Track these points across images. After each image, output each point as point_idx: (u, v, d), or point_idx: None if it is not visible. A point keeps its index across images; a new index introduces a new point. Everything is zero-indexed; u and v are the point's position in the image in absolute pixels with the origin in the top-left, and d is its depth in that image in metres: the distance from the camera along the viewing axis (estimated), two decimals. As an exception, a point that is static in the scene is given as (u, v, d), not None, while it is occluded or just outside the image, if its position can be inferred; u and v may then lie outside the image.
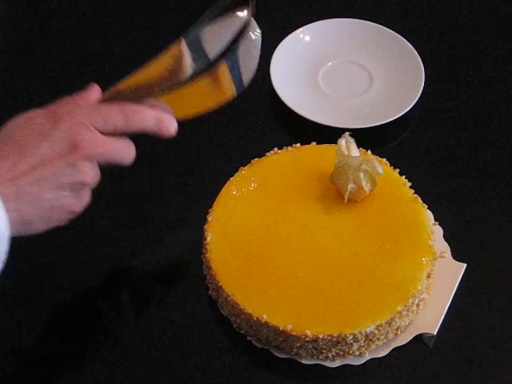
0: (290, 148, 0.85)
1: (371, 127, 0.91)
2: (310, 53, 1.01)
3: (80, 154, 0.63)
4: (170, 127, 0.68)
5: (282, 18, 1.07)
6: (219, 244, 0.77)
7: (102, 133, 0.64)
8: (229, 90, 0.71)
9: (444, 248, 0.80)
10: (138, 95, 0.68)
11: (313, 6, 1.09)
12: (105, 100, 0.67)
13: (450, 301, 0.77)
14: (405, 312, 0.73)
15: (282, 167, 0.83)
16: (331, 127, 0.90)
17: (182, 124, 0.96)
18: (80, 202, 0.66)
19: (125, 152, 0.67)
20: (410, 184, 0.81)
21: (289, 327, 0.71)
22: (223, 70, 0.68)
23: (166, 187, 0.89)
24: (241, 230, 0.78)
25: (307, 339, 0.71)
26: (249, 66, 0.70)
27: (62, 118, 0.63)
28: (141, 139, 0.94)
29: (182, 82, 0.68)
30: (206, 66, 0.68)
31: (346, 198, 0.78)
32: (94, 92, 0.68)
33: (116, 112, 0.65)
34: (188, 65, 0.69)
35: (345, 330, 0.71)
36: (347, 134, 0.81)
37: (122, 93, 0.68)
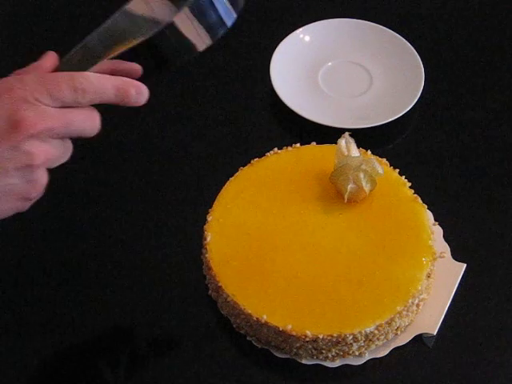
0: (289, 148, 0.85)
1: (371, 127, 0.91)
2: (310, 53, 1.01)
3: (23, 133, 0.56)
4: (138, 97, 0.61)
5: (282, 18, 1.07)
6: (219, 244, 0.77)
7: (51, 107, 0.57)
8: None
9: (444, 248, 0.80)
10: (94, 57, 0.60)
11: (313, 6, 1.09)
12: (61, 69, 0.60)
13: (449, 301, 0.77)
14: (405, 312, 0.73)
15: (281, 167, 0.83)
16: (331, 127, 0.90)
17: (182, 124, 0.97)
18: (34, 186, 0.58)
19: (84, 123, 0.59)
20: (409, 184, 0.81)
21: (289, 327, 0.71)
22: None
23: (166, 187, 0.89)
24: (241, 230, 0.78)
25: (307, 339, 0.71)
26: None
27: (2, 95, 0.56)
28: (141, 139, 0.94)
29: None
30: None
31: (345, 198, 0.78)
32: (48, 61, 0.61)
33: (63, 84, 0.57)
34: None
35: (345, 330, 0.71)
36: (347, 134, 0.81)
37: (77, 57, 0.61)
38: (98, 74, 0.59)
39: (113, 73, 0.60)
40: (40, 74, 0.59)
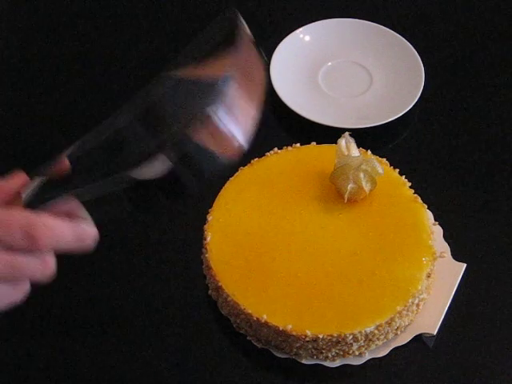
0: (289, 148, 0.85)
1: (371, 127, 0.91)
2: (310, 53, 1.01)
3: None
4: (91, 242, 0.53)
5: (282, 18, 1.07)
6: (219, 244, 0.77)
7: None
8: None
9: (444, 248, 0.80)
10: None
11: (313, 6, 1.09)
12: (24, 198, 0.52)
13: (449, 301, 0.77)
14: (405, 312, 0.73)
15: (281, 167, 0.83)
16: (331, 127, 0.90)
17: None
18: None
19: (33, 269, 0.51)
20: (409, 184, 0.81)
21: (289, 327, 0.71)
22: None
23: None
24: (241, 230, 0.78)
25: (307, 339, 0.71)
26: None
27: None
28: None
29: None
30: None
31: (345, 197, 0.78)
32: (15, 183, 0.53)
33: (17, 228, 0.49)
34: None
35: (345, 329, 0.71)
36: (347, 133, 0.81)
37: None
38: (59, 220, 0.50)
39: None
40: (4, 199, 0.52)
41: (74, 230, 0.51)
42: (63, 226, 0.51)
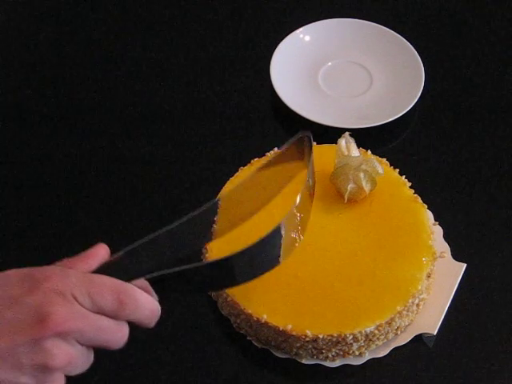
0: (290, 148, 0.85)
1: (371, 127, 0.91)
2: (309, 53, 1.01)
3: (48, 328, 0.50)
4: (156, 319, 0.57)
5: (282, 18, 1.07)
6: (219, 244, 0.77)
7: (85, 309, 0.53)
8: None
9: (444, 248, 0.80)
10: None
11: (313, 6, 1.09)
12: (107, 268, 0.56)
13: (449, 301, 0.77)
14: (405, 312, 0.73)
15: (282, 167, 0.83)
16: (331, 127, 0.90)
17: (182, 124, 0.97)
18: None
19: (113, 334, 0.54)
20: (409, 184, 0.81)
21: (289, 327, 0.71)
22: None
23: (167, 187, 0.89)
24: (241, 230, 0.78)
25: (307, 339, 0.71)
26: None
27: (39, 283, 0.52)
28: (141, 139, 0.94)
29: None
30: None
31: (345, 198, 0.78)
32: (98, 253, 0.57)
33: (108, 292, 0.53)
34: None
35: (345, 330, 0.71)
36: (347, 133, 0.81)
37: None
38: (144, 293, 0.55)
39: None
40: (86, 273, 0.55)
41: (151, 304, 0.56)
42: (145, 298, 0.55)
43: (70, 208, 0.88)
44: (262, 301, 0.73)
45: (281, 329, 0.71)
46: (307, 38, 1.02)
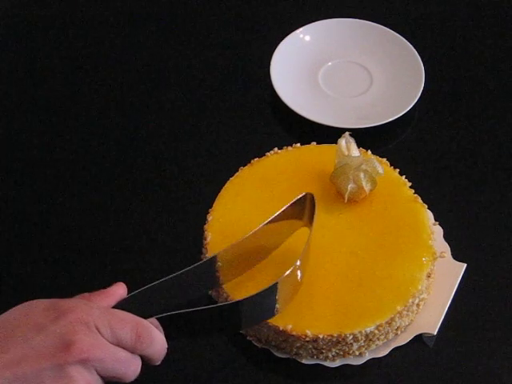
0: (289, 148, 0.85)
1: (371, 127, 0.91)
2: (310, 53, 1.01)
3: (73, 355, 0.53)
4: (162, 359, 0.62)
5: (282, 18, 1.07)
6: (219, 244, 0.77)
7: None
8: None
9: (444, 248, 0.80)
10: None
11: (313, 6, 1.09)
12: (124, 304, 0.61)
13: (449, 301, 0.77)
14: (405, 312, 0.73)
15: (282, 167, 0.83)
16: (331, 127, 0.90)
17: (182, 124, 0.97)
18: None
19: (129, 367, 0.57)
20: (410, 184, 0.81)
21: (289, 327, 0.71)
22: None
23: (167, 187, 0.89)
24: (241, 230, 0.78)
25: (307, 339, 0.71)
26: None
27: (64, 313, 0.55)
28: (142, 139, 0.94)
29: None
30: None
31: (345, 197, 0.78)
32: (117, 291, 0.62)
33: (128, 326, 0.57)
34: None
35: (345, 329, 0.71)
36: (347, 133, 0.81)
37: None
38: (157, 330, 0.59)
39: None
40: (107, 308, 0.59)
41: (162, 341, 0.60)
42: (158, 335, 0.59)
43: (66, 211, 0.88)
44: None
45: (281, 329, 0.71)
46: (307, 38, 1.02)
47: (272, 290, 0.66)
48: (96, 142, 0.94)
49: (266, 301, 0.66)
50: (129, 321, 0.57)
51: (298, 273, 0.69)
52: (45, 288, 0.81)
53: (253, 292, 0.65)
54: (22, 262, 0.83)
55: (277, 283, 0.66)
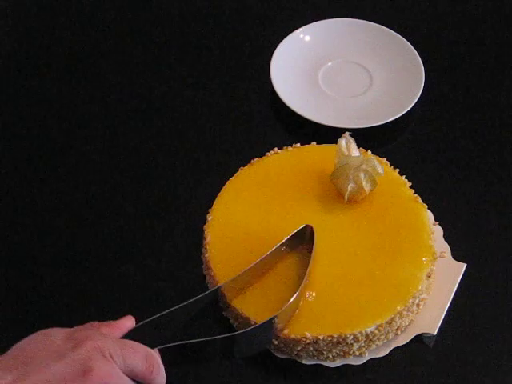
0: (290, 148, 0.85)
1: (371, 127, 0.91)
2: (309, 53, 1.01)
3: (91, 380, 0.57)
4: None
5: (282, 18, 1.07)
6: (219, 244, 0.77)
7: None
8: None
9: (444, 248, 0.80)
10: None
11: (313, 6, 1.09)
12: (132, 335, 0.64)
13: (449, 301, 0.77)
14: (405, 312, 0.73)
15: (281, 167, 0.83)
16: (331, 127, 0.90)
17: (182, 124, 0.97)
18: None
19: None
20: (410, 184, 0.81)
21: (286, 331, 0.71)
22: None
23: (167, 187, 0.89)
24: (241, 230, 0.78)
25: (307, 341, 0.71)
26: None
27: (82, 341, 0.59)
28: (141, 139, 0.94)
29: None
30: None
31: (346, 197, 0.78)
32: (125, 324, 0.65)
33: (139, 356, 0.61)
34: None
35: (345, 330, 0.71)
36: (347, 133, 0.81)
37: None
38: (160, 362, 0.63)
39: None
40: (118, 338, 0.63)
41: (163, 372, 0.63)
42: (162, 365, 0.63)
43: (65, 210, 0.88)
44: (259, 304, 0.73)
45: (279, 335, 0.71)
46: (307, 38, 1.02)
47: (271, 322, 0.69)
48: (96, 143, 0.94)
49: (265, 332, 0.70)
50: (140, 350, 0.61)
51: (299, 299, 0.71)
52: (45, 290, 0.81)
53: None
54: (21, 262, 0.83)
55: (275, 316, 0.69)
